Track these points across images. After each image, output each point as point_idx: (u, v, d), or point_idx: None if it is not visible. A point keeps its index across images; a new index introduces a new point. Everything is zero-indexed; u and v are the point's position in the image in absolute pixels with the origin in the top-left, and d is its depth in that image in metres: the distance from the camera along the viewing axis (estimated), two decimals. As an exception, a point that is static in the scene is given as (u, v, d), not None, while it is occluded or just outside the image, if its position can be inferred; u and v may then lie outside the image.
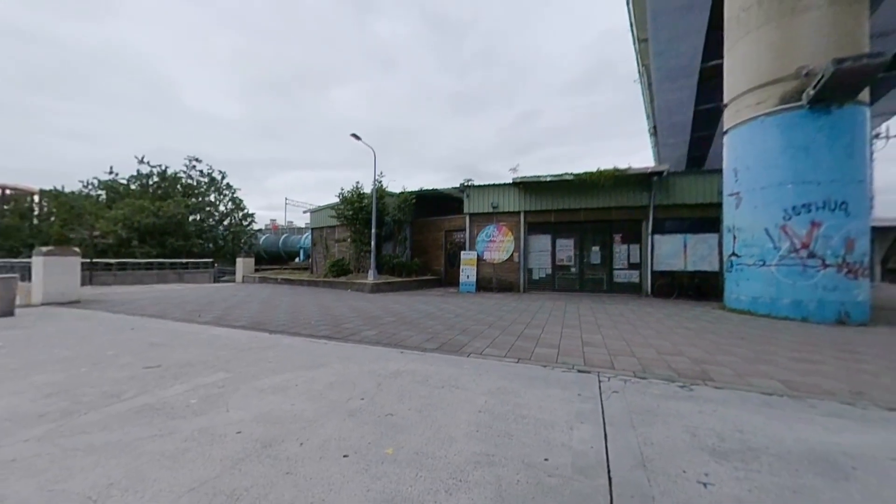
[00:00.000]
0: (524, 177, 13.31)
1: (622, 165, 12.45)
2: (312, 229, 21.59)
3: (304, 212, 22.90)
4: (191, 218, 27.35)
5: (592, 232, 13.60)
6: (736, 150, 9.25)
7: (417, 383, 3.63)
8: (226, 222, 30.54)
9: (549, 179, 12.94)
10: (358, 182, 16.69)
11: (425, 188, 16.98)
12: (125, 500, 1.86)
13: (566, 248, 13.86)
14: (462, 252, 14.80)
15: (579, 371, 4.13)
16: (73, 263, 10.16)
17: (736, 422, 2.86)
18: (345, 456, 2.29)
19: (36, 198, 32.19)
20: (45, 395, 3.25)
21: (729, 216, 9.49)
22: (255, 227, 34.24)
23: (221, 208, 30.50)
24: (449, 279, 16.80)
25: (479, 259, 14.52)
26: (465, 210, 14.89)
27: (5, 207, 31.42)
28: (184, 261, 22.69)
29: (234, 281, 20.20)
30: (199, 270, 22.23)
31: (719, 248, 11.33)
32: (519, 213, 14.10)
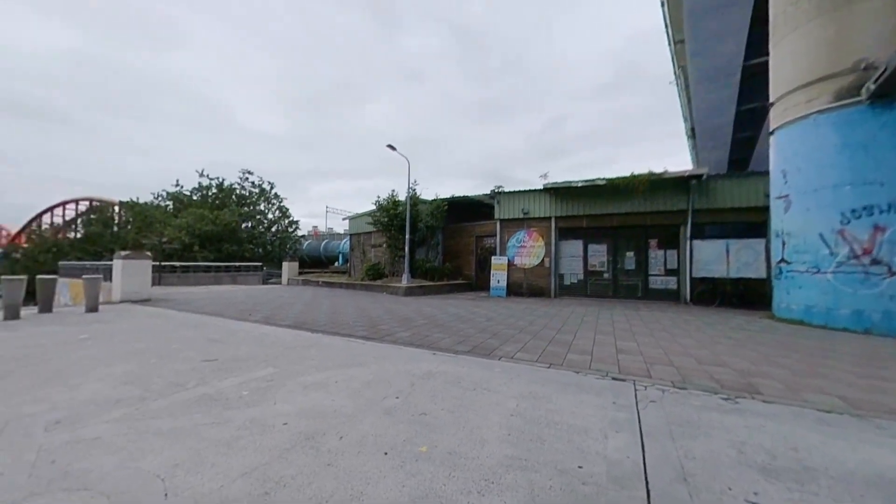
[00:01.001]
0: (555, 183, 13.11)
1: (657, 169, 11.94)
2: (350, 235, 22.44)
3: (343, 219, 23.97)
4: (243, 225, 29.44)
5: (626, 237, 13.10)
6: (784, 150, 8.61)
7: (450, 384, 3.73)
8: (273, 229, 32.53)
9: (580, 185, 12.67)
10: (393, 190, 17.19)
11: (456, 195, 17.16)
12: (188, 481, 2.10)
13: (598, 254, 13.45)
14: (493, 257, 14.78)
15: (613, 378, 4.04)
16: (145, 266, 11.30)
17: (789, 439, 2.69)
18: (384, 453, 2.43)
19: (116, 208, 35.92)
20: (123, 383, 3.67)
21: (777, 220, 8.82)
22: (299, 233, 36.14)
23: (270, 216, 32.56)
24: (480, 284, 16.79)
25: (510, 264, 14.42)
26: (496, 216, 14.88)
27: (92, 217, 35.37)
28: (237, 264, 24.39)
29: (280, 283, 21.40)
30: (249, 273, 23.80)
31: (766, 253, 10.54)
32: (550, 218, 13.89)
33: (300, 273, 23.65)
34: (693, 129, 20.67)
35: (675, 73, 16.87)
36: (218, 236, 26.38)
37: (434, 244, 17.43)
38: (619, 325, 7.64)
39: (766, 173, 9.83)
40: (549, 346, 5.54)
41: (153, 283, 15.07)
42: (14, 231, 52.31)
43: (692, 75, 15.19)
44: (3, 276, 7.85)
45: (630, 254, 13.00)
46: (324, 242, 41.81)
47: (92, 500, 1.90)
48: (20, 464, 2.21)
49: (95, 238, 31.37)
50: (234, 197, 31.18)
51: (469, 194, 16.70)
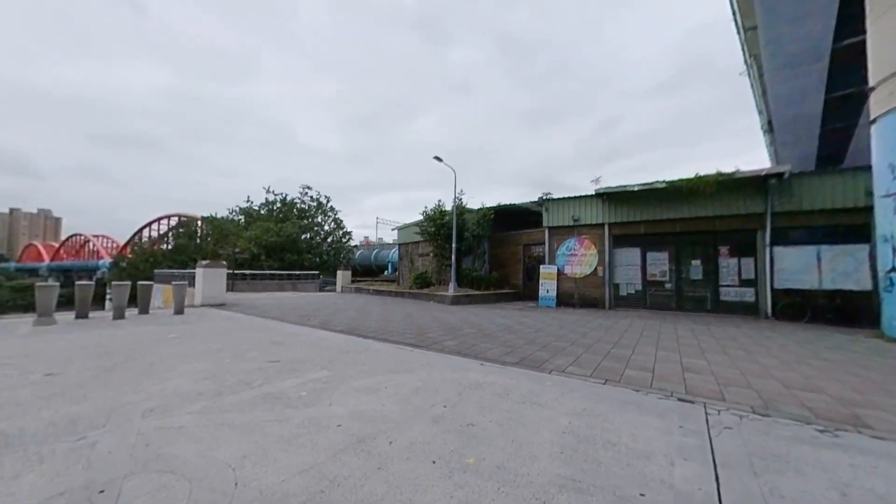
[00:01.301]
0: (608, 187, 12.45)
1: (726, 169, 10.82)
2: (399, 245, 23.21)
3: (392, 229, 24.84)
4: (303, 236, 31.86)
5: (691, 244, 11.98)
6: (890, 140, 7.36)
7: (498, 396, 3.65)
8: (329, 240, 34.79)
9: (637, 189, 11.89)
10: (440, 200, 17.53)
11: (503, 203, 17.00)
12: (254, 472, 2.27)
13: (659, 262, 12.43)
14: (541, 266, 14.34)
15: (680, 399, 3.68)
16: (221, 274, 12.69)
17: (908, 484, 2.25)
18: (432, 462, 2.43)
19: (199, 223, 40.80)
20: (202, 379, 4.10)
21: (885, 223, 7.52)
22: (352, 243, 38.18)
23: (326, 227, 34.94)
24: (527, 293, 16.36)
25: (560, 273, 13.88)
26: (544, 223, 14.46)
27: (180, 231, 40.52)
28: (297, 272, 26.39)
29: (335, 290, 22.70)
30: (307, 281, 25.58)
31: (871, 261, 8.99)
32: (603, 225, 13.18)
33: (352, 281, 24.85)
34: (770, 123, 18.46)
35: (745, 62, 15.29)
36: (281, 247, 28.74)
37: (480, 253, 17.37)
38: (685, 340, 6.97)
39: (868, 168, 8.48)
40: (604, 361, 5.21)
41: (227, 290, 16.73)
42: (122, 243, 61.37)
43: (767, 64, 13.63)
44: (113, 282, 9.23)
45: (696, 262, 11.86)
46: (374, 252, 43.65)
47: (177, 483, 2.13)
48: (123, 446, 2.56)
49: (182, 249, 35.76)
50: (295, 210, 33.87)
51: (516, 202, 16.46)
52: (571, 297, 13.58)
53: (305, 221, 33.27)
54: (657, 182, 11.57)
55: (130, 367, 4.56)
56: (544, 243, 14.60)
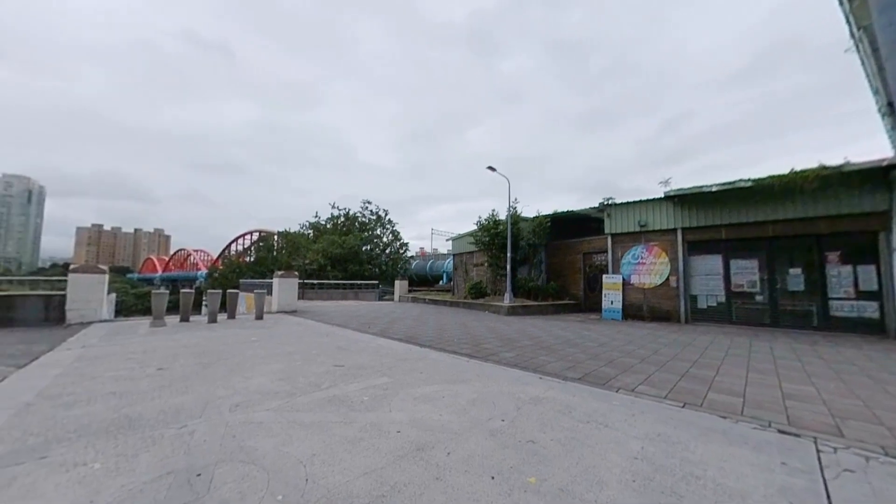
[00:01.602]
0: (680, 189, 11.34)
1: (830, 161, 9.23)
2: (454, 255, 23.48)
3: (447, 240, 25.26)
4: (363, 248, 33.78)
5: (789, 250, 10.35)
6: None
7: (559, 413, 3.46)
8: (387, 251, 36.43)
9: (715, 189, 10.65)
10: (494, 210, 17.44)
11: (560, 210, 16.37)
12: (322, 470, 2.40)
13: (747, 271, 10.92)
14: (604, 276, 13.45)
15: (780, 431, 3.16)
16: (294, 283, 13.92)
17: None
18: (491, 477, 2.38)
19: (276, 237, 45.45)
20: (278, 379, 4.50)
21: None
22: (409, 254, 39.60)
23: (385, 239, 36.71)
24: (589, 304, 15.43)
25: (625, 283, 12.88)
26: (606, 230, 13.60)
27: (260, 245, 45.52)
28: (358, 282, 27.98)
29: (392, 300, 23.60)
30: (368, 290, 26.95)
31: None
32: (675, 230, 12.00)
33: (409, 291, 25.60)
34: (891, 105, 15.49)
35: (852, 36, 13.06)
36: (344, 258, 30.71)
37: (537, 262, 16.84)
38: (785, 361, 6.00)
39: None
40: (681, 382, 4.69)
41: (298, 298, 18.25)
42: (215, 256, 70.40)
43: (883, 35, 11.49)
44: (207, 291, 10.60)
45: (796, 271, 10.22)
46: (429, 262, 44.67)
47: (257, 474, 2.34)
48: (215, 436, 2.89)
49: (262, 261, 39.96)
50: (356, 224, 36.08)
51: (574, 208, 15.75)
52: (640, 309, 12.50)
53: (366, 234, 35.23)
54: (740, 181, 10.28)
55: (221, 365, 5.15)
56: (607, 251, 13.70)
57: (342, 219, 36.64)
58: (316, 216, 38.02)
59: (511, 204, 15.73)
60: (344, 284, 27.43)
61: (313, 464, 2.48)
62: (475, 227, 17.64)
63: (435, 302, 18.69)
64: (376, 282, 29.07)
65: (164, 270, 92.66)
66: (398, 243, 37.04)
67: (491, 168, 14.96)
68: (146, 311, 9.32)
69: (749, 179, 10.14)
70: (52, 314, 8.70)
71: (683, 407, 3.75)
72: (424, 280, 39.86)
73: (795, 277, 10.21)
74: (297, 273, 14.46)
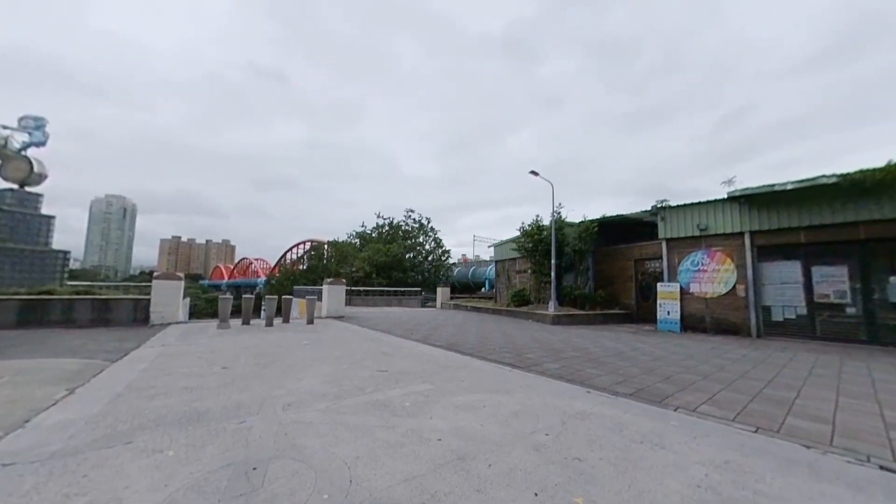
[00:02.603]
0: (746, 189, 10.27)
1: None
2: (496, 262, 23.26)
3: (489, 246, 25.05)
4: (406, 256, 34.65)
5: (888, 254, 8.92)
6: None
7: (609, 431, 3.25)
8: (430, 258, 37.04)
9: (791, 188, 9.50)
10: (537, 215, 17.03)
11: (608, 215, 15.59)
12: (366, 473, 2.46)
13: (833, 279, 9.55)
14: (659, 284, 12.52)
15: (883, 468, 2.69)
16: (342, 290, 14.62)
17: None
18: (535, 494, 2.29)
19: (326, 246, 48.23)
20: (326, 382, 4.71)
21: None
22: (450, 261, 39.92)
23: (427, 247, 37.42)
24: (641, 314, 14.42)
25: (683, 292, 11.87)
26: (661, 235, 12.67)
27: (311, 254, 48.49)
28: (402, 289, 28.72)
29: (435, 306, 23.87)
30: (411, 297, 27.55)
31: None
32: (742, 234, 10.86)
33: (451, 298, 25.71)
34: None
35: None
36: (389, 265, 31.69)
37: (583, 269, 16.12)
38: (887, 384, 5.14)
39: None
40: (752, 403, 4.20)
41: (346, 304, 19.07)
42: (272, 264, 76.04)
43: None
44: (266, 296, 11.46)
45: (897, 279, 8.77)
46: (471, 269, 44.61)
47: (306, 472, 2.46)
48: (269, 433, 3.08)
49: (314, 269, 42.45)
50: (400, 232, 37.14)
51: (624, 212, 14.92)
52: (701, 320, 11.43)
53: (409, 242, 36.14)
54: (822, 177, 9.09)
55: (276, 366, 5.52)
56: (662, 257, 12.76)
57: (386, 227, 37.93)
58: (362, 225, 39.79)
59: (555, 209, 15.29)
60: (388, 291, 28.25)
61: (357, 466, 2.55)
62: (518, 233, 17.33)
63: (477, 309, 18.57)
64: (419, 289, 29.60)
65: (229, 277, 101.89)
66: (440, 250, 37.51)
67: (534, 173, 14.68)
68: (214, 314, 10.30)
69: (833, 175, 8.94)
70: (139, 315, 9.91)
71: (756, 432, 3.35)
72: (467, 287, 39.84)
73: (898, 287, 8.75)
74: (344, 280, 15.15)
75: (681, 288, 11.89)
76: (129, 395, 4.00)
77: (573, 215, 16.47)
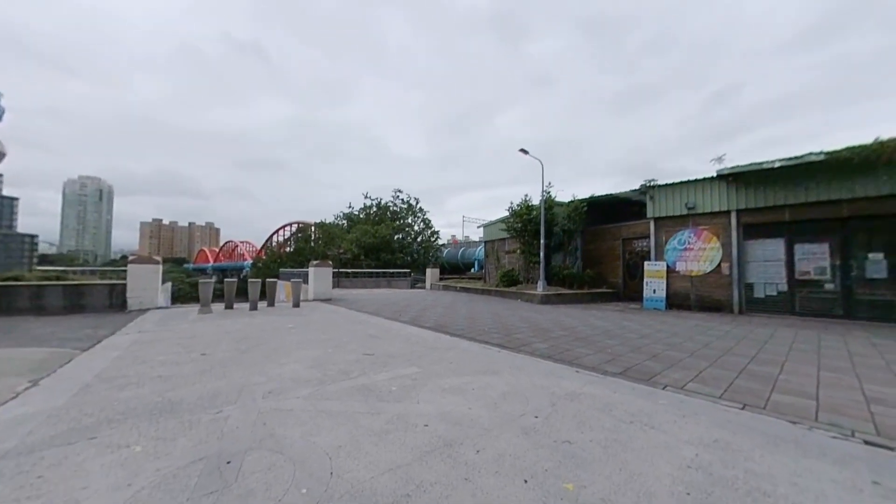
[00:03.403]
0: (735, 167, 10.24)
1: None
2: (485, 242, 23.18)
3: (478, 227, 24.91)
4: (395, 237, 34.24)
5: (868, 232, 9.09)
6: None
7: (599, 411, 3.21)
8: (419, 239, 36.70)
9: (778, 166, 9.50)
10: (526, 195, 16.85)
11: (597, 194, 15.51)
12: (347, 464, 2.34)
13: (815, 257, 9.74)
14: (646, 262, 12.62)
15: (868, 443, 2.71)
16: (328, 272, 14.33)
17: None
18: (524, 481, 2.20)
19: (313, 228, 47.31)
20: (310, 366, 4.56)
21: None
22: (440, 242, 39.66)
23: (416, 228, 36.96)
24: (628, 293, 14.64)
25: (670, 270, 12.01)
26: (649, 214, 12.68)
27: (298, 236, 47.58)
28: (391, 271, 28.52)
29: (424, 288, 23.82)
30: (400, 278, 27.40)
31: None
32: (728, 212, 10.92)
33: (441, 279, 25.68)
34: None
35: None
36: (377, 247, 31.33)
37: (572, 249, 16.16)
38: (866, 359, 5.27)
39: None
40: (738, 380, 4.23)
41: (333, 286, 18.84)
42: (258, 247, 74.61)
43: None
44: (248, 280, 11.13)
45: (877, 256, 8.98)
46: (461, 250, 44.50)
47: (283, 464, 2.32)
48: (247, 423, 2.93)
49: (300, 251, 41.72)
50: (388, 213, 36.57)
51: (613, 192, 14.85)
52: (686, 298, 11.64)
53: (397, 223, 35.66)
54: (810, 154, 9.09)
55: (258, 351, 5.34)
56: (649, 236, 12.83)
57: (374, 209, 37.28)
58: (349, 207, 39.02)
59: (544, 188, 15.11)
60: (377, 273, 28.03)
61: (339, 456, 2.43)
62: (507, 214, 17.18)
63: (466, 290, 18.58)
64: (408, 270, 29.44)
65: (215, 261, 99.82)
66: (429, 231, 37.18)
67: (524, 151, 14.38)
68: (199, 299, 9.96)
69: (821, 153, 8.94)
70: (116, 301, 9.52)
71: (743, 409, 3.36)
72: (456, 268, 39.81)
73: (876, 263, 8.98)
74: (331, 262, 14.85)
75: (667, 266, 12.02)
76: (98, 385, 3.78)
77: (562, 195, 16.36)
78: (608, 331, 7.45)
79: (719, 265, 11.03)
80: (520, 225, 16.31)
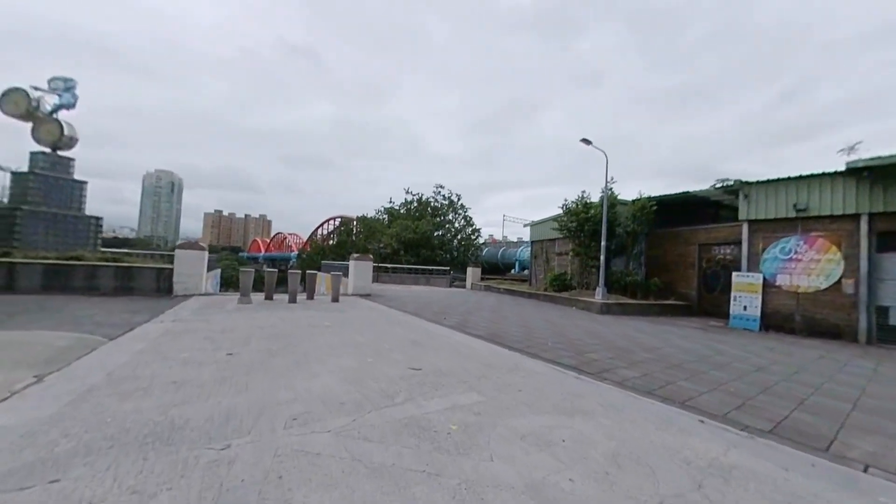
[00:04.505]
0: (877, 158, 8.07)
1: None
2: (532, 242, 21.67)
3: (524, 225, 23.41)
4: (435, 233, 33.54)
5: None
6: None
7: (789, 515, 1.99)
8: (459, 237, 35.73)
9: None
10: (583, 191, 15.22)
11: (669, 193, 13.59)
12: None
13: None
14: (734, 273, 10.65)
15: None
16: (369, 266, 13.76)
17: None
18: None
19: (354, 222, 48.15)
20: (346, 380, 3.72)
21: None
22: (480, 240, 38.48)
23: (456, 225, 35.96)
24: (704, 307, 12.66)
25: (768, 284, 9.98)
26: (742, 216, 10.67)
27: (340, 229, 48.69)
28: (430, 268, 27.82)
29: (464, 287, 22.84)
30: (439, 276, 26.64)
31: None
32: (856, 216, 8.75)
33: (482, 279, 24.53)
34: None
35: None
36: (417, 243, 30.76)
37: (636, 254, 14.33)
38: None
39: None
40: (976, 462, 2.75)
41: (373, 281, 18.40)
42: (304, 239, 77.87)
43: None
44: (288, 271, 10.76)
45: None
46: (501, 250, 42.98)
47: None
48: (256, 475, 2.08)
49: (342, 244, 42.49)
50: (429, 209, 35.89)
51: (690, 190, 12.88)
52: (788, 319, 9.59)
53: (438, 219, 34.85)
54: None
55: (289, 353, 4.62)
56: (740, 242, 10.82)
57: (415, 204, 36.74)
58: (390, 201, 38.77)
59: (608, 183, 13.45)
60: (416, 269, 27.46)
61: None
62: (561, 211, 15.67)
63: (511, 292, 17.31)
64: (447, 268, 28.59)
65: (266, 251, 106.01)
66: (470, 229, 35.99)
67: (586, 141, 12.84)
68: (261, 282, 9.75)
69: None
70: (163, 285, 9.51)
71: None
72: (495, 268, 38.42)
73: None
74: (371, 257, 14.28)
75: (764, 279, 10.00)
76: (102, 390, 3.17)
77: (623, 194, 14.55)
78: (704, 356, 5.98)
79: (839, 281, 8.90)
80: (575, 224, 14.74)
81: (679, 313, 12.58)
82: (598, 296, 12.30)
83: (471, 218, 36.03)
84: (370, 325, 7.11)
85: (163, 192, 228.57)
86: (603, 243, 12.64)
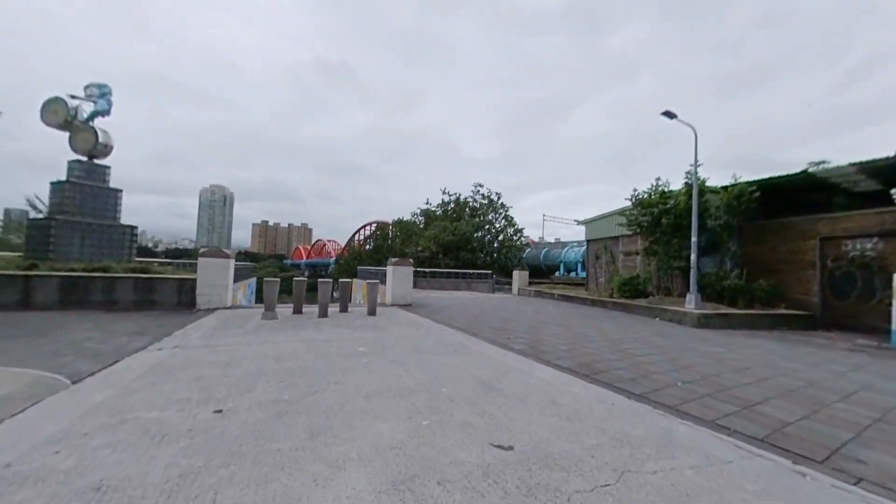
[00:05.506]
0: None
1: None
2: (588, 241, 19.22)
3: (579, 223, 20.94)
4: (475, 235, 31.72)
5: None
6: None
7: None
8: (500, 238, 33.62)
9: None
10: (658, 178, 12.79)
11: (776, 175, 10.88)
12: None
13: None
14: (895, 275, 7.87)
15: None
16: (409, 272, 11.98)
17: None
18: None
19: (391, 226, 47.65)
20: (390, 481, 2.04)
21: None
22: (523, 241, 36.13)
23: (497, 225, 33.85)
24: (832, 318, 9.86)
25: (953, 288, 7.17)
26: (901, 196, 7.92)
27: (377, 234, 48.35)
28: (470, 271, 26.05)
29: (510, 292, 20.80)
30: (481, 280, 24.78)
31: None
32: None
33: (529, 283, 22.35)
34: None
35: None
36: (456, 245, 29.12)
37: (732, 252, 11.66)
38: None
39: None
40: None
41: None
42: (342, 245, 79.24)
43: None
44: (318, 280, 9.42)
45: None
46: (543, 251, 40.20)
47: None
48: None
49: (379, 249, 41.87)
50: (467, 209, 34.11)
51: (809, 170, 10.14)
52: None
53: (477, 220, 32.97)
54: None
55: (304, 411, 3.06)
56: (890, 234, 8.04)
57: (452, 204, 35.15)
58: (427, 203, 37.53)
59: (694, 167, 10.99)
60: (456, 273, 25.77)
61: None
62: (629, 204, 13.31)
63: (568, 298, 15.07)
64: (489, 272, 26.63)
65: (307, 257, 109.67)
66: (511, 229, 33.75)
67: (669, 114, 10.47)
68: (290, 292, 8.56)
69: None
70: (185, 298, 8.55)
71: None
72: (538, 270, 35.77)
73: None
74: (411, 261, 12.71)
75: (951, 282, 7.20)
76: (-49, 518, 1.73)
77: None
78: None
79: None
80: (649, 218, 12.34)
81: (797, 326, 9.85)
82: (691, 304, 9.90)
83: (512, 218, 33.78)
84: (416, 352, 5.43)
85: (216, 205, 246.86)
86: (694, 239, 10.24)
